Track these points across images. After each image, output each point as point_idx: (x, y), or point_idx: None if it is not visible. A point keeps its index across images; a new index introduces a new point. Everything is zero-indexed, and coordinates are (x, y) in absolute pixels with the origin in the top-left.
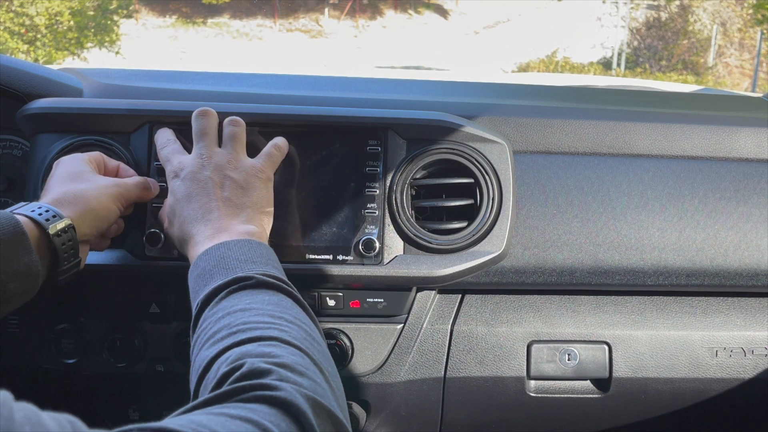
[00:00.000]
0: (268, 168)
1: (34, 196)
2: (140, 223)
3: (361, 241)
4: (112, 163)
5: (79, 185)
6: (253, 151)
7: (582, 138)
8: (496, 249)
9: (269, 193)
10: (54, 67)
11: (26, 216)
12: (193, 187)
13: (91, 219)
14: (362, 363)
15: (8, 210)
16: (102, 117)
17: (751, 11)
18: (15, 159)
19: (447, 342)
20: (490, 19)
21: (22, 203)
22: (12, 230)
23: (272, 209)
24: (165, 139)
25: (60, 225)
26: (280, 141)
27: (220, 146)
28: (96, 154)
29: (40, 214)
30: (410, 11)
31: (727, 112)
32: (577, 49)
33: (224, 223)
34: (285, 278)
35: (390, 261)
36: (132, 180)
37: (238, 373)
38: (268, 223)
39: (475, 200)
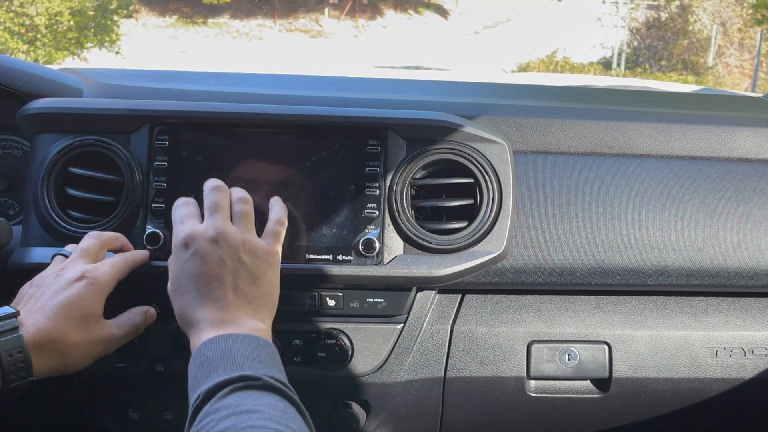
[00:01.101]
0: (278, 248)
1: (34, 196)
2: (141, 224)
3: (361, 241)
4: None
5: (73, 336)
6: (253, 153)
7: (582, 138)
8: (496, 249)
9: (277, 277)
10: (54, 67)
11: None
12: (204, 267)
13: (56, 371)
14: (362, 363)
15: None
16: (102, 117)
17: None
18: (15, 159)
19: (447, 342)
20: (490, 19)
21: (4, 313)
22: None
23: (278, 298)
24: (184, 201)
25: (21, 383)
26: (280, 214)
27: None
28: (116, 282)
29: (10, 355)
30: (410, 11)
31: (727, 112)
32: (577, 49)
33: (232, 314)
34: (288, 384)
35: (390, 261)
36: (124, 331)
37: None
38: (272, 316)
39: (475, 200)
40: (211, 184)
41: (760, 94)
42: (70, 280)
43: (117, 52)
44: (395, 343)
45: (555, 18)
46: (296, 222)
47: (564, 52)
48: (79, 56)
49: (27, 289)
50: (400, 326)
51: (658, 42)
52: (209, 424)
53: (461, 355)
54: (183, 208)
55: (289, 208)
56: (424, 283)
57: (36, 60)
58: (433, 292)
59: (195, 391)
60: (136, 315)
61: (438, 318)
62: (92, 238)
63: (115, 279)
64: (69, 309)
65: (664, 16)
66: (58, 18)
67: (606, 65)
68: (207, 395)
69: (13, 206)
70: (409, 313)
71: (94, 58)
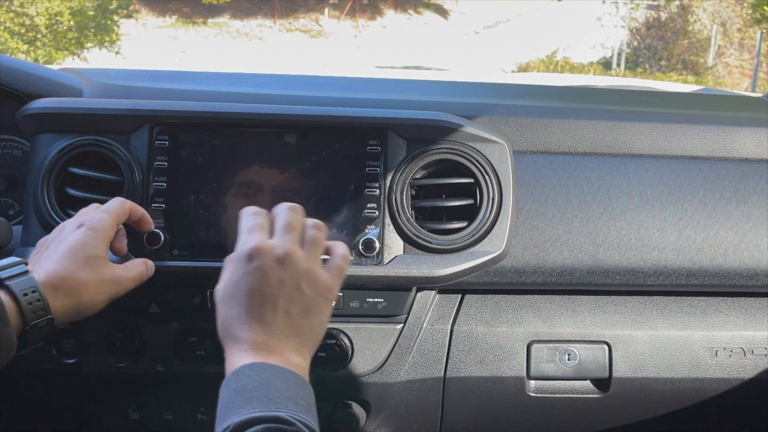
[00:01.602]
0: (338, 286)
1: (34, 196)
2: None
3: (361, 241)
4: (136, 213)
5: (82, 275)
6: (253, 153)
7: (582, 138)
8: (496, 249)
9: (328, 315)
10: (54, 67)
11: (10, 292)
12: (262, 285)
13: (74, 312)
14: (362, 363)
15: None
16: (102, 117)
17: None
18: (15, 159)
19: (447, 342)
20: (490, 19)
21: (12, 261)
22: None
23: (322, 336)
24: (256, 211)
25: (41, 321)
26: (346, 251)
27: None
28: (115, 228)
29: (26, 297)
30: (410, 11)
31: (727, 112)
32: (577, 49)
33: (276, 342)
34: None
35: (390, 261)
36: (132, 274)
37: None
38: (312, 353)
39: (475, 200)
40: (287, 205)
41: (760, 94)
42: (71, 230)
43: (117, 52)
44: (395, 343)
45: (555, 18)
46: None
47: (564, 52)
48: (79, 56)
49: (39, 243)
50: (400, 326)
51: (658, 42)
52: None
53: (461, 355)
54: (254, 219)
55: None
56: (424, 283)
57: (36, 60)
58: (433, 292)
59: (226, 419)
60: (139, 263)
61: (438, 318)
62: (105, 213)
63: (114, 224)
64: (74, 252)
65: (664, 16)
66: (58, 18)
67: (606, 65)
68: (237, 428)
69: (13, 206)
70: (409, 313)
71: (94, 58)
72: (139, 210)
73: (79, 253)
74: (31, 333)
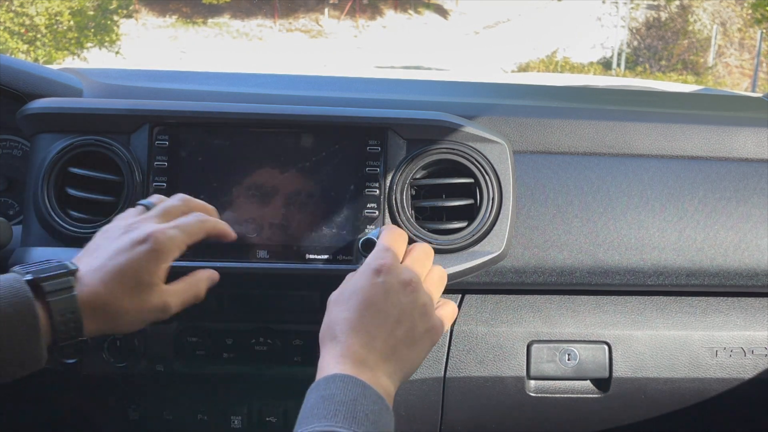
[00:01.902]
0: (442, 333)
1: (34, 196)
2: None
3: (361, 241)
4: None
5: (126, 302)
6: (253, 153)
7: (582, 138)
8: (496, 249)
9: (426, 354)
10: (54, 67)
11: (47, 308)
12: (380, 299)
13: (106, 332)
14: None
15: (28, 276)
16: (102, 117)
17: (750, 11)
18: (15, 159)
19: (447, 342)
20: (490, 19)
21: (60, 269)
22: (23, 314)
23: (413, 372)
24: (400, 232)
25: (69, 342)
26: (454, 308)
27: None
28: (184, 249)
29: (62, 318)
30: (410, 11)
31: (727, 112)
32: (577, 49)
33: (374, 359)
34: None
35: None
36: (182, 299)
37: None
38: (399, 384)
39: (475, 200)
40: (423, 244)
41: (760, 94)
42: (134, 242)
43: (117, 52)
44: None
45: (555, 18)
46: (296, 222)
47: (564, 52)
48: (79, 56)
49: (97, 238)
50: None
51: (658, 42)
52: None
53: (461, 355)
54: (395, 237)
55: (289, 208)
56: None
57: (36, 60)
58: None
59: (307, 423)
60: (199, 281)
61: None
62: (178, 201)
63: (183, 245)
64: (124, 275)
65: (664, 16)
66: (58, 18)
67: (606, 65)
68: None
69: (13, 206)
70: None
71: (94, 58)
72: (220, 228)
73: (129, 277)
74: (56, 350)
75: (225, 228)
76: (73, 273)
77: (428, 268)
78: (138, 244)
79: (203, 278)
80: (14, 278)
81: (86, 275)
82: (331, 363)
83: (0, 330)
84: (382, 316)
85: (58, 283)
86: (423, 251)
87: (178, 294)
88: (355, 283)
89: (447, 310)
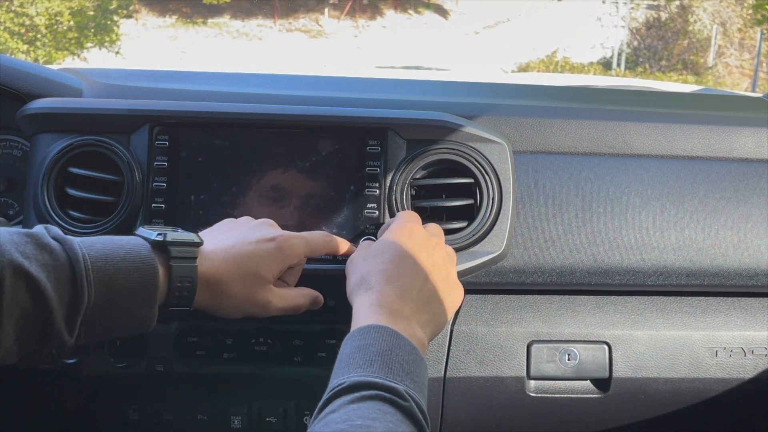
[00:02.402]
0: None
1: (34, 196)
2: (141, 224)
3: (361, 242)
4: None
5: (237, 287)
6: (253, 153)
7: (582, 138)
8: (496, 249)
9: (452, 313)
10: (54, 67)
11: (169, 273)
12: (415, 252)
13: (208, 310)
14: None
15: (159, 237)
16: (102, 117)
17: (750, 11)
18: (15, 159)
19: (447, 342)
20: (490, 19)
21: (189, 239)
22: (146, 279)
23: (444, 326)
24: (414, 215)
25: (178, 309)
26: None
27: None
28: (304, 259)
29: (180, 282)
30: (410, 11)
31: (727, 112)
32: (577, 49)
33: (408, 310)
34: (427, 414)
35: None
36: (284, 305)
37: None
38: (432, 338)
39: (475, 200)
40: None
41: (760, 94)
42: (261, 238)
43: (117, 52)
44: None
45: (555, 18)
46: (296, 222)
47: (564, 52)
48: (79, 56)
49: (224, 224)
50: None
51: (658, 42)
52: (341, 424)
53: (461, 355)
54: (413, 215)
55: (289, 208)
56: None
57: (36, 60)
58: None
59: (343, 374)
60: (303, 296)
61: None
62: (302, 242)
63: (304, 256)
64: (246, 262)
65: (664, 16)
66: (58, 18)
67: (606, 65)
68: (352, 387)
69: (13, 206)
70: None
71: (94, 58)
72: (342, 248)
73: (249, 266)
74: (165, 314)
75: (348, 248)
76: (198, 245)
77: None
78: (265, 241)
79: (308, 295)
80: (141, 244)
81: (210, 252)
82: (367, 312)
83: (121, 294)
84: (417, 269)
85: (184, 251)
86: (436, 227)
87: (283, 299)
88: (386, 240)
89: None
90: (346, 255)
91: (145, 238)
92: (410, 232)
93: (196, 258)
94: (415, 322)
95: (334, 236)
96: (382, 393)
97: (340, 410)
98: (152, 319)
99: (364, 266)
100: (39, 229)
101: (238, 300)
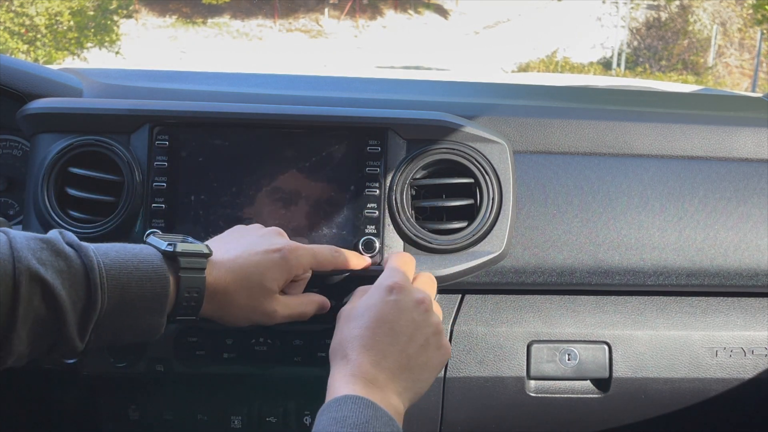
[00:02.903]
0: (450, 355)
1: (34, 196)
2: (141, 224)
3: (361, 242)
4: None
5: (242, 299)
6: (253, 153)
7: (582, 138)
8: (496, 249)
9: (434, 377)
10: (54, 67)
11: (178, 284)
12: (393, 317)
13: (215, 317)
14: None
15: (169, 247)
16: (102, 117)
17: (750, 11)
18: (15, 159)
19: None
20: (490, 19)
21: (198, 249)
22: (157, 289)
23: (422, 394)
24: (410, 258)
25: (183, 319)
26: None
27: None
28: (309, 271)
29: (187, 293)
30: (410, 11)
31: (727, 112)
32: (577, 49)
33: (384, 379)
34: None
35: None
36: (289, 312)
37: None
38: (409, 404)
39: (475, 200)
40: (431, 275)
41: (760, 94)
42: (268, 249)
43: (117, 52)
44: None
45: (555, 18)
46: (296, 222)
47: (564, 52)
48: (79, 56)
49: (232, 232)
50: None
51: (658, 42)
52: None
53: (461, 355)
54: (405, 260)
55: (289, 208)
56: None
57: (36, 60)
58: None
59: None
60: (310, 303)
61: None
62: (310, 255)
63: (309, 267)
64: (252, 274)
65: (664, 16)
66: (58, 18)
67: (606, 65)
68: None
69: (13, 206)
70: None
71: (94, 58)
72: (350, 263)
73: (255, 277)
74: (171, 323)
75: (363, 263)
76: (207, 256)
77: (434, 295)
78: (272, 252)
79: (314, 302)
80: (154, 254)
81: (217, 262)
82: (341, 383)
83: (133, 303)
84: (395, 333)
85: (194, 262)
86: (429, 278)
87: (288, 307)
88: (366, 300)
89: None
90: (354, 269)
91: (157, 248)
92: (392, 290)
93: (204, 269)
94: (390, 390)
95: (343, 251)
96: None
97: None
98: (160, 328)
99: (343, 330)
100: (54, 234)
101: (244, 310)
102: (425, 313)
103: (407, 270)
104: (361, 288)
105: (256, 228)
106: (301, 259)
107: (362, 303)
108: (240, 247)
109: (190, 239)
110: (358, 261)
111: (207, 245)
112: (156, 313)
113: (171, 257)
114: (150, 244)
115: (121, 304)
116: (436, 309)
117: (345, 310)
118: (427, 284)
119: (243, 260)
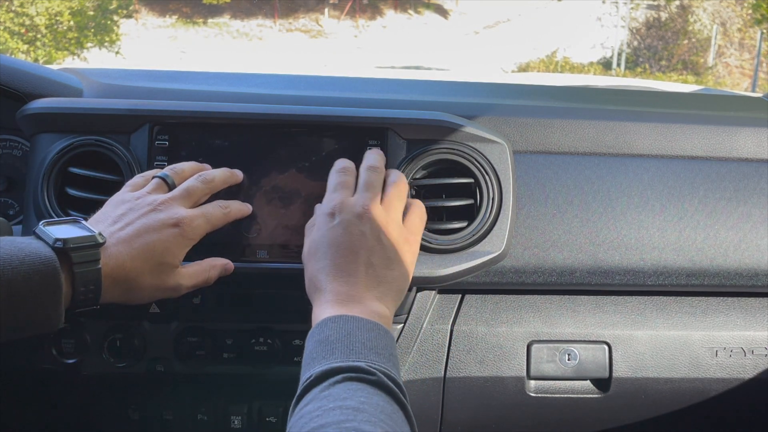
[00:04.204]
0: (420, 230)
1: (34, 196)
2: None
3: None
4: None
5: (146, 279)
6: (253, 153)
7: (582, 138)
8: (496, 249)
9: (412, 263)
10: (54, 67)
11: (72, 278)
12: (344, 238)
13: (122, 301)
14: None
15: (58, 244)
16: (102, 117)
17: (750, 11)
18: (15, 159)
19: (447, 342)
20: (490, 19)
21: (88, 239)
22: (47, 281)
23: (407, 286)
24: (343, 168)
25: (84, 309)
26: (422, 208)
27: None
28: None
29: (83, 286)
30: (410, 11)
31: (727, 112)
32: (577, 49)
33: (359, 292)
34: (401, 381)
35: None
36: (194, 281)
37: None
38: (397, 303)
39: (475, 200)
40: (368, 162)
41: (760, 94)
42: (164, 224)
43: (117, 52)
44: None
45: (555, 18)
46: (296, 222)
47: (564, 52)
48: (79, 56)
49: (116, 207)
50: (400, 326)
51: (658, 42)
52: (315, 412)
53: (461, 355)
54: (340, 176)
55: (290, 208)
56: (424, 284)
57: (36, 60)
58: (433, 292)
59: (308, 369)
60: (212, 268)
61: (438, 318)
62: (201, 183)
63: (204, 233)
64: (151, 253)
65: (664, 16)
66: (58, 18)
67: (606, 65)
68: (319, 378)
69: (13, 206)
70: (408, 313)
71: (94, 58)
72: (242, 213)
73: (155, 256)
74: (71, 314)
75: (246, 211)
76: (100, 245)
77: (378, 186)
78: (168, 227)
79: (216, 265)
80: (43, 246)
81: (112, 247)
82: (321, 311)
83: (24, 295)
84: (351, 252)
85: (87, 255)
86: (365, 175)
87: (192, 277)
88: (316, 234)
89: (416, 213)
90: (245, 216)
91: (46, 242)
92: (333, 215)
93: (98, 260)
94: (369, 299)
95: (230, 202)
96: (348, 374)
97: (313, 402)
98: (59, 319)
99: (308, 268)
100: None
101: (149, 290)
102: (370, 221)
103: (344, 182)
104: (308, 225)
105: (143, 197)
106: (197, 229)
107: (313, 238)
108: (135, 226)
109: (82, 223)
110: (246, 208)
111: (100, 233)
112: (50, 307)
113: (63, 252)
114: (39, 237)
115: (9, 298)
116: (415, 211)
117: (304, 251)
118: (369, 186)
119: (141, 241)
